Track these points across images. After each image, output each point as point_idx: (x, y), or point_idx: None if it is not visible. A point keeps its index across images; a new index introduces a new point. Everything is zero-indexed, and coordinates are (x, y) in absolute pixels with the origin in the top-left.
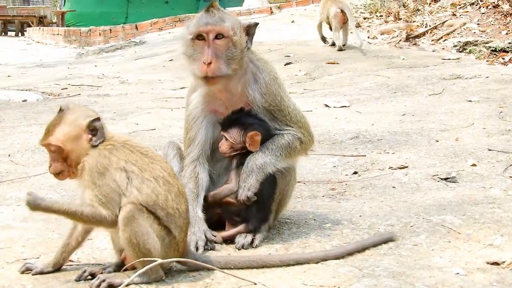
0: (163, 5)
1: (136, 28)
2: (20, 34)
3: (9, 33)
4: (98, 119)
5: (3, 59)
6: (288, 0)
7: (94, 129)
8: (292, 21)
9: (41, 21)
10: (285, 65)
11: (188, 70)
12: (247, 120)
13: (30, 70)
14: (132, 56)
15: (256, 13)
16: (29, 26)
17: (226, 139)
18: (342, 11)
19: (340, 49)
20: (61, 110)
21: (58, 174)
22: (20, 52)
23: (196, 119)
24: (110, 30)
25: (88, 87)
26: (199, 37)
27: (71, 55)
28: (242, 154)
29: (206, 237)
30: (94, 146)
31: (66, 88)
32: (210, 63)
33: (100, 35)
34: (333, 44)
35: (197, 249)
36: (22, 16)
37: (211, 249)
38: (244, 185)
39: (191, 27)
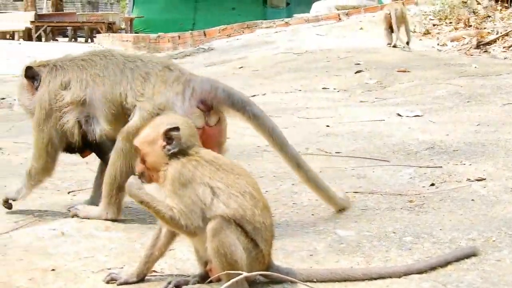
0: (230, 11)
1: (205, 34)
2: (89, 40)
3: (79, 39)
4: (177, 128)
5: None
6: (356, 7)
7: (170, 138)
8: (361, 28)
9: (110, 27)
10: (355, 73)
11: None
12: None
13: None
14: (201, 62)
15: (323, 20)
16: (98, 32)
17: None
18: (389, 13)
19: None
20: None
21: (140, 176)
22: None
23: None
24: (179, 36)
25: None
26: None
27: None
28: None
29: None
30: (172, 156)
31: None
32: None
33: (168, 41)
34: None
35: None
36: (91, 22)
37: None
38: None
39: None
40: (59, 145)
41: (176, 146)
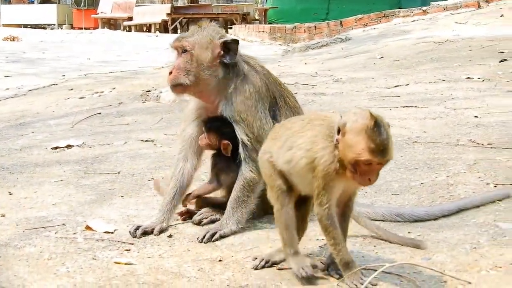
0: (365, 0)
1: (341, 24)
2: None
3: None
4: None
5: None
6: None
7: None
8: (501, 15)
9: (244, 18)
10: (500, 62)
11: None
12: (223, 129)
13: None
14: (339, 53)
15: (463, 8)
16: (233, 23)
17: (205, 137)
18: None
19: None
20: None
21: None
22: None
23: (188, 119)
24: (315, 26)
25: (303, 86)
26: (175, 51)
27: (277, 52)
28: (220, 156)
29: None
30: None
31: None
32: (170, 73)
33: (304, 31)
34: None
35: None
36: (226, 13)
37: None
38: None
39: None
40: None
41: None
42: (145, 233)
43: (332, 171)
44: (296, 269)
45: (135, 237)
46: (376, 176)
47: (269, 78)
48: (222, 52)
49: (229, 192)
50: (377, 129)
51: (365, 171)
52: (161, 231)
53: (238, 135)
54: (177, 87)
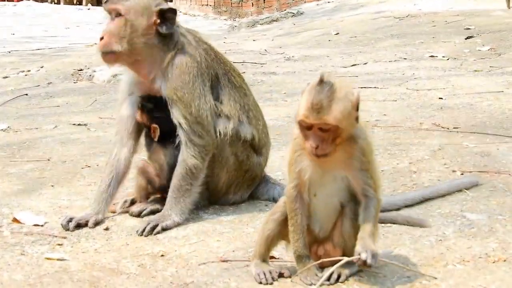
0: None
1: None
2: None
3: None
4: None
5: None
6: None
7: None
8: None
9: None
10: (465, 39)
11: None
12: (156, 113)
13: None
14: (291, 29)
15: None
16: None
17: (139, 114)
18: None
19: None
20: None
21: (325, 156)
22: None
23: (122, 96)
24: (264, 0)
25: (251, 64)
26: (108, 15)
27: (223, 28)
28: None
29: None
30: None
31: None
32: (102, 39)
33: (252, 5)
34: None
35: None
36: None
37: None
38: None
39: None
40: None
41: None
42: (79, 226)
43: (296, 146)
44: (254, 273)
45: (68, 230)
46: (321, 143)
47: (210, 53)
48: (158, 21)
49: (168, 177)
50: (318, 87)
51: (308, 136)
52: (97, 223)
53: (174, 119)
54: (109, 55)
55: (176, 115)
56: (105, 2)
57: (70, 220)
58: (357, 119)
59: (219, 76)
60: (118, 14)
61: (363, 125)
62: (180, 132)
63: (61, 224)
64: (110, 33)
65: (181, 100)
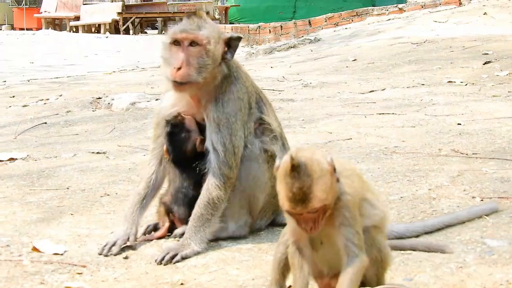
0: None
1: (310, 24)
2: None
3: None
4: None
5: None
6: None
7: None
8: (484, 13)
9: None
10: (483, 64)
11: (163, 73)
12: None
13: None
14: (308, 55)
15: (442, 5)
16: None
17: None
18: None
19: None
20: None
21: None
22: None
23: (164, 117)
24: (281, 26)
25: (269, 91)
26: (175, 42)
27: (240, 54)
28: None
29: (128, 239)
30: None
31: None
32: (179, 69)
33: (270, 32)
34: None
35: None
36: (183, 12)
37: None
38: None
39: (170, 32)
40: None
41: None
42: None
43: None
44: None
45: (108, 255)
46: (313, 223)
47: (249, 79)
48: (225, 49)
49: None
50: (292, 174)
51: (299, 220)
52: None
53: (212, 144)
54: (186, 85)
55: (215, 141)
56: (178, 31)
57: (114, 244)
58: (338, 180)
59: (260, 101)
60: (195, 44)
61: (342, 172)
62: (212, 158)
63: (100, 254)
64: (188, 63)
65: (228, 128)
